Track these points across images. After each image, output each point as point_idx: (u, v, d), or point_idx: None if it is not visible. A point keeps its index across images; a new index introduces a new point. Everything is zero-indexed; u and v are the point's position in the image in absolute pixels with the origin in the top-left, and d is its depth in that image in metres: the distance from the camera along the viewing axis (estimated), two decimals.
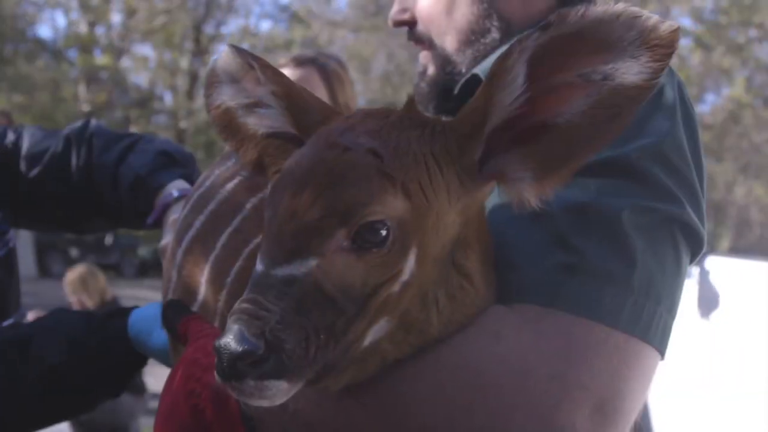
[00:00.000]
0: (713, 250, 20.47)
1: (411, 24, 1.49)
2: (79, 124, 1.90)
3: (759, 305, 5.29)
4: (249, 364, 0.78)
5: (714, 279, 5.62)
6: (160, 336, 1.44)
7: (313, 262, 0.84)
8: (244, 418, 1.02)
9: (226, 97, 1.08)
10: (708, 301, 5.58)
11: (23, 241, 18.81)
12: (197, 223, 1.36)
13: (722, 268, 5.78)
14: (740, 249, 23.93)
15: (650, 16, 0.84)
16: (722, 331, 5.46)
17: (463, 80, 1.40)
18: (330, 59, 2.91)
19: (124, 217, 1.84)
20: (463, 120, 0.94)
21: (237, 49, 1.05)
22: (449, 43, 1.43)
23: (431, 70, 1.47)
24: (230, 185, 1.36)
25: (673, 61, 0.89)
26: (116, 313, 1.53)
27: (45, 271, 20.16)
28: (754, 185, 24.99)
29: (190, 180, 1.74)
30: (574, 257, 1.01)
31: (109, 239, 21.52)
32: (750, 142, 23.84)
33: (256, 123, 1.08)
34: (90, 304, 6.02)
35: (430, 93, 1.47)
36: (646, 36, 0.84)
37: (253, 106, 1.07)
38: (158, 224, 1.69)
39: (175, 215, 1.59)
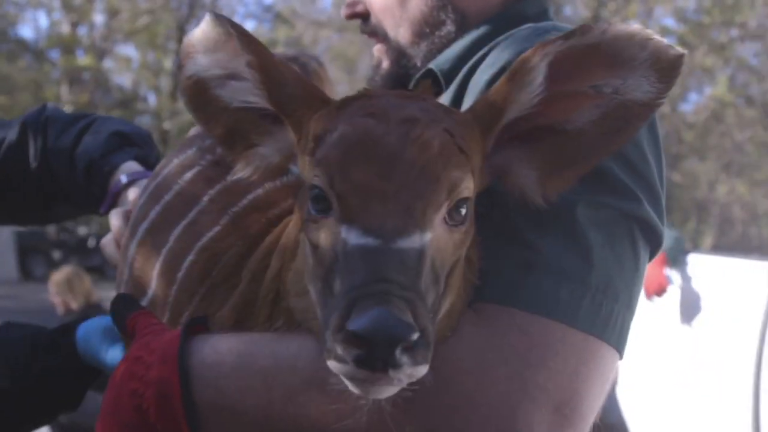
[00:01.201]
0: (696, 248, 20.57)
1: (364, 16, 1.46)
2: (35, 109, 1.85)
3: (741, 302, 5.29)
4: (403, 350, 0.74)
5: (696, 284, 5.62)
6: (112, 353, 1.40)
7: (428, 236, 0.84)
8: (188, 417, 0.99)
9: (200, 68, 1.04)
10: (690, 307, 5.59)
11: (5, 244, 18.68)
12: (152, 214, 1.32)
13: (705, 266, 5.78)
14: (723, 247, 24.07)
15: (661, 39, 0.90)
16: (705, 328, 5.46)
17: (418, 75, 1.38)
18: (311, 59, 2.94)
19: (85, 202, 1.79)
20: (481, 113, 0.96)
21: (217, 17, 1.01)
22: (403, 35, 1.40)
23: (385, 63, 1.44)
24: (188, 175, 1.32)
25: None
26: (63, 330, 1.48)
27: (27, 274, 20.04)
28: (737, 183, 25.17)
29: (146, 160, 1.70)
30: (530, 253, 1.00)
31: (92, 241, 21.37)
32: (732, 141, 24.01)
33: (229, 96, 1.04)
34: (75, 305, 6.00)
35: (385, 87, 1.44)
36: (657, 58, 0.91)
37: (227, 78, 1.03)
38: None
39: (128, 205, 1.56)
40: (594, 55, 0.92)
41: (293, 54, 2.97)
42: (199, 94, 1.05)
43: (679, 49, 0.91)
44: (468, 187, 0.89)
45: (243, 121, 1.05)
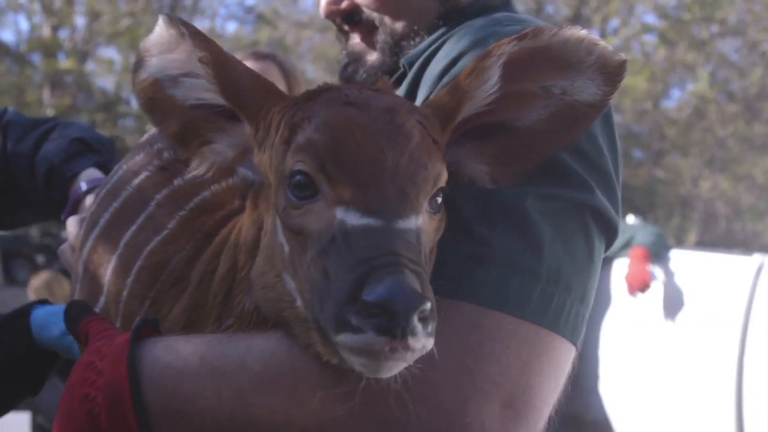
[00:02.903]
0: (680, 244, 20.68)
1: (346, 13, 1.43)
2: None
3: (725, 298, 5.32)
4: (418, 319, 0.75)
5: (680, 280, 5.64)
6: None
7: (421, 219, 0.87)
8: (139, 421, 0.98)
9: (154, 70, 1.05)
10: (674, 303, 5.61)
11: None
12: (102, 221, 1.33)
13: (688, 262, 5.81)
14: (707, 242, 24.19)
15: (607, 45, 0.95)
16: (688, 324, 5.48)
17: (396, 75, 1.37)
18: (285, 58, 2.99)
19: (44, 208, 1.78)
20: (439, 108, 0.99)
21: (170, 19, 1.03)
22: (401, 26, 1.38)
23: (373, 57, 1.42)
24: (137, 180, 1.33)
25: (639, 58, 0.97)
26: (16, 315, 1.46)
27: (11, 278, 19.89)
28: (720, 179, 25.28)
29: (107, 167, 1.69)
30: (478, 246, 1.00)
31: None
32: (715, 137, 24.12)
33: (183, 95, 1.06)
34: None
35: (371, 81, 1.40)
36: (602, 62, 0.95)
37: (182, 77, 1.05)
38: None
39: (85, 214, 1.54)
40: (544, 57, 0.96)
41: (270, 51, 2.99)
42: (154, 95, 1.06)
43: (623, 55, 0.95)
44: (445, 177, 0.92)
45: (197, 119, 1.06)
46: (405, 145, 0.88)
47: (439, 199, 0.93)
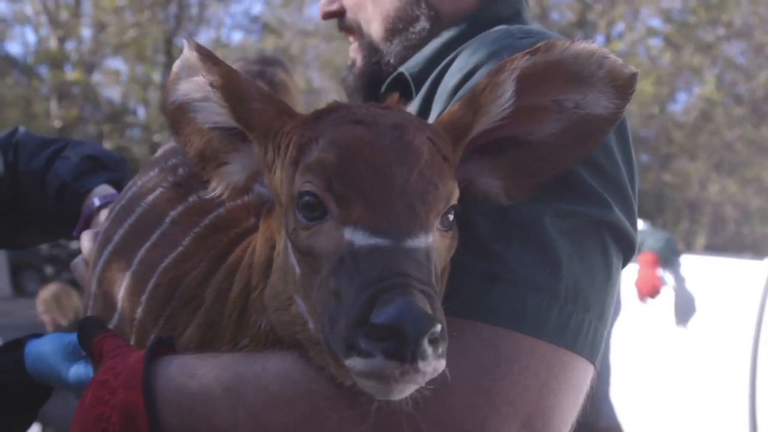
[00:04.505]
0: (689, 248, 20.60)
1: (340, 14, 1.46)
2: (5, 132, 1.85)
3: (735, 302, 5.29)
4: (428, 342, 0.74)
5: (690, 285, 5.61)
6: (75, 369, 1.35)
7: (431, 237, 0.85)
8: None
9: (181, 93, 1.07)
10: (684, 309, 5.58)
11: None
12: (116, 237, 1.32)
13: (698, 267, 5.78)
14: (716, 246, 24.11)
15: (617, 59, 0.94)
16: (699, 329, 5.45)
17: (389, 79, 1.36)
18: (277, 69, 2.88)
19: (55, 227, 1.78)
20: (451, 125, 0.98)
21: (192, 43, 1.03)
22: (375, 30, 1.41)
23: (359, 61, 1.44)
24: (151, 197, 1.33)
25: (645, 62, 0.95)
26: (11, 346, 1.44)
27: (20, 290, 19.95)
28: (728, 182, 25.21)
29: (119, 184, 1.70)
30: (494, 265, 0.99)
31: None
32: (722, 140, 24.06)
33: (203, 118, 1.07)
34: (64, 322, 5.95)
35: (357, 84, 1.45)
36: (612, 75, 0.94)
37: (203, 101, 1.06)
38: None
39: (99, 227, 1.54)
40: (557, 71, 0.95)
41: (259, 68, 2.90)
42: (180, 118, 1.08)
43: (633, 68, 0.95)
44: (456, 195, 0.91)
45: (214, 141, 1.07)
46: (414, 162, 0.87)
47: (451, 216, 0.91)
